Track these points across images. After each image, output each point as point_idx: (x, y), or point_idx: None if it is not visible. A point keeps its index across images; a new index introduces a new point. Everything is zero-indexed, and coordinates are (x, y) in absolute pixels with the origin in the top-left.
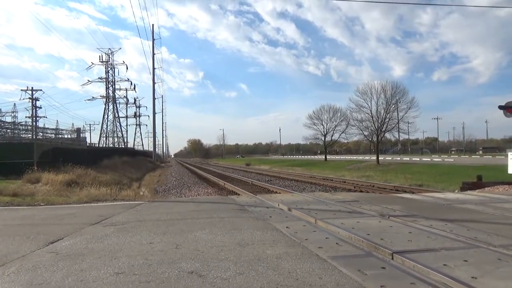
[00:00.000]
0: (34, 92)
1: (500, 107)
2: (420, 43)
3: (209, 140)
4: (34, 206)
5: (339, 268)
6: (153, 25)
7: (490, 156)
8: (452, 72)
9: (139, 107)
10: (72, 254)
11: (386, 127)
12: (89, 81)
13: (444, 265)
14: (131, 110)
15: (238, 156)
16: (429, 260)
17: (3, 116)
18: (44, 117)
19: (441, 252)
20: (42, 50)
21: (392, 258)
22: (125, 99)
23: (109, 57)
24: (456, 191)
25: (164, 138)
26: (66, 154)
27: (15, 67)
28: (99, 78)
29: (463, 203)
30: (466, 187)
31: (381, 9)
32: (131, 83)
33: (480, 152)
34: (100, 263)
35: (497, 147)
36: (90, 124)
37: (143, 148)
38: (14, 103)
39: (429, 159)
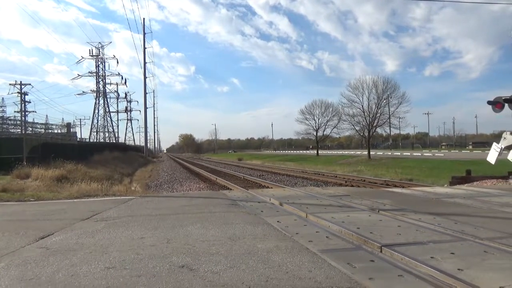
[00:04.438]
0: (22, 86)
1: (489, 103)
2: (412, 38)
3: (201, 135)
4: (24, 202)
5: (329, 261)
6: (144, 19)
7: (480, 151)
8: (444, 67)
9: (130, 101)
10: (63, 249)
11: (378, 122)
12: (79, 75)
13: (432, 257)
14: (122, 105)
15: (230, 151)
16: (417, 253)
17: None
18: (33, 111)
19: (429, 245)
20: (30, 43)
21: (381, 251)
22: (116, 93)
23: (99, 51)
24: (446, 185)
25: (156, 133)
26: (56, 149)
27: (1, 60)
28: (89, 72)
29: (452, 197)
30: (455, 181)
31: (374, 2)
32: (122, 78)
33: (470, 147)
34: (91, 258)
35: (486, 142)
36: (80, 119)
37: (134, 143)
38: (2, 98)
39: (419, 154)
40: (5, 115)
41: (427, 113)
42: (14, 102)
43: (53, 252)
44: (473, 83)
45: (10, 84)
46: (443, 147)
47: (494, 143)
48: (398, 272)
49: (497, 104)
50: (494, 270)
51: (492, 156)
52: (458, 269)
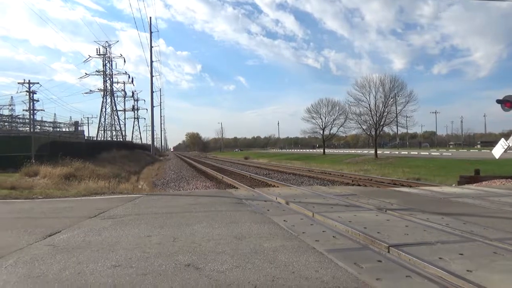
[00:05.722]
0: (31, 85)
1: (498, 101)
2: (420, 36)
3: (208, 133)
4: (32, 199)
5: (336, 261)
6: (150, 17)
7: (488, 150)
8: (452, 65)
9: (137, 100)
10: (70, 247)
11: (385, 121)
12: (86, 74)
13: (440, 258)
14: (129, 103)
15: (236, 150)
16: (425, 254)
17: (0, 109)
18: (41, 110)
19: (437, 246)
20: (38, 42)
21: (389, 252)
22: (123, 92)
23: (106, 50)
24: (454, 185)
25: (163, 132)
26: (64, 147)
27: (9, 59)
28: (96, 71)
29: (460, 197)
30: (464, 181)
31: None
32: (129, 76)
33: (478, 146)
34: (97, 256)
35: (495, 141)
36: (88, 118)
37: (141, 141)
38: (11, 96)
39: (427, 153)
40: (14, 114)
41: (435, 112)
42: (22, 101)
43: (60, 249)
44: (482, 82)
45: (18, 83)
46: (451, 146)
47: (503, 139)
48: (406, 272)
49: (506, 103)
50: (503, 271)
51: (497, 150)
52: (467, 270)
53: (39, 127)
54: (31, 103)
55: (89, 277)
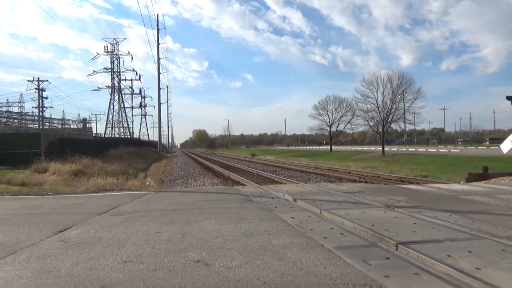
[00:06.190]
0: (40, 82)
1: (508, 98)
2: (429, 32)
3: (214, 130)
4: (42, 196)
5: (344, 258)
6: (157, 14)
7: (497, 147)
8: (461, 61)
9: (144, 97)
10: (81, 243)
11: (392, 117)
12: (94, 71)
13: (448, 256)
14: (137, 101)
15: (243, 147)
16: (433, 251)
17: (10, 106)
18: (50, 107)
19: (446, 243)
20: (46, 39)
21: (397, 249)
22: (130, 89)
23: (114, 47)
24: (462, 182)
25: (170, 128)
26: (73, 144)
27: (19, 56)
28: (104, 68)
29: (469, 194)
30: (472, 178)
31: None
32: (136, 73)
33: (487, 142)
34: (108, 251)
35: (504, 138)
36: (96, 115)
37: (148, 138)
38: (21, 93)
39: (435, 150)
40: (23, 111)
41: (443, 108)
42: (32, 98)
43: (72, 245)
44: (491, 78)
45: (28, 80)
46: (459, 143)
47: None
48: (414, 270)
49: None
50: None
51: (505, 145)
52: (476, 268)
53: (48, 124)
54: (40, 100)
55: (100, 272)
